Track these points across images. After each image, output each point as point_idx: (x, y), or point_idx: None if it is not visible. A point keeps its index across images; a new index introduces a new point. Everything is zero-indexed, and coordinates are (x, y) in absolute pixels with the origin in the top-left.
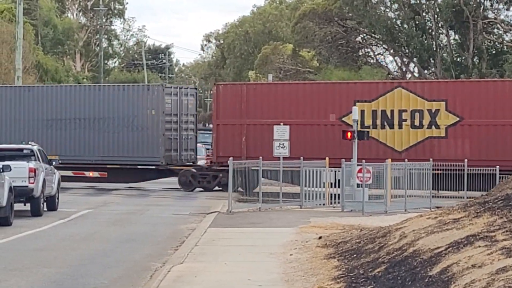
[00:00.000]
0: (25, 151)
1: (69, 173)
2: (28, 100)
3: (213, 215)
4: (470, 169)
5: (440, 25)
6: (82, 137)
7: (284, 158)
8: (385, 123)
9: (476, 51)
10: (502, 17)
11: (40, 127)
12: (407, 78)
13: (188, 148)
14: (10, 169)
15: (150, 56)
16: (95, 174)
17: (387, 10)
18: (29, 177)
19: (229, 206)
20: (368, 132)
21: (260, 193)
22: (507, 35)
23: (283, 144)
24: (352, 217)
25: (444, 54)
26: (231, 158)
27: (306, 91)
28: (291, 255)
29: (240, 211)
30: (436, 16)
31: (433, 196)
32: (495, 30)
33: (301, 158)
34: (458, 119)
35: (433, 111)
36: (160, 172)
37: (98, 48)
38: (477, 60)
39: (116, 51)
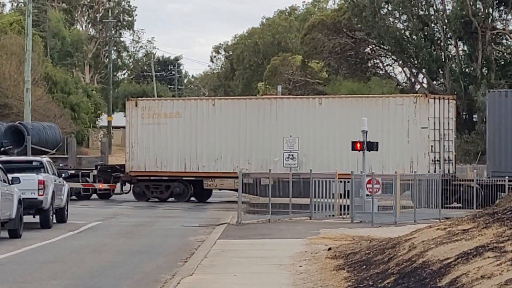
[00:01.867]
0: (34, 163)
1: None
2: None
3: (223, 227)
4: None
5: (448, 36)
6: None
7: None
8: None
9: (484, 62)
10: (510, 27)
11: None
12: (416, 89)
13: None
14: (19, 181)
15: (159, 68)
16: None
17: (396, 21)
18: (38, 189)
19: (239, 218)
20: (377, 143)
21: (269, 205)
22: None
23: (292, 155)
24: (362, 228)
25: (453, 65)
26: (240, 168)
27: None
28: (300, 266)
29: (249, 223)
30: (444, 27)
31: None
32: (504, 41)
33: (310, 169)
34: None
35: None
36: None
37: (107, 59)
38: (486, 71)
39: (125, 62)
